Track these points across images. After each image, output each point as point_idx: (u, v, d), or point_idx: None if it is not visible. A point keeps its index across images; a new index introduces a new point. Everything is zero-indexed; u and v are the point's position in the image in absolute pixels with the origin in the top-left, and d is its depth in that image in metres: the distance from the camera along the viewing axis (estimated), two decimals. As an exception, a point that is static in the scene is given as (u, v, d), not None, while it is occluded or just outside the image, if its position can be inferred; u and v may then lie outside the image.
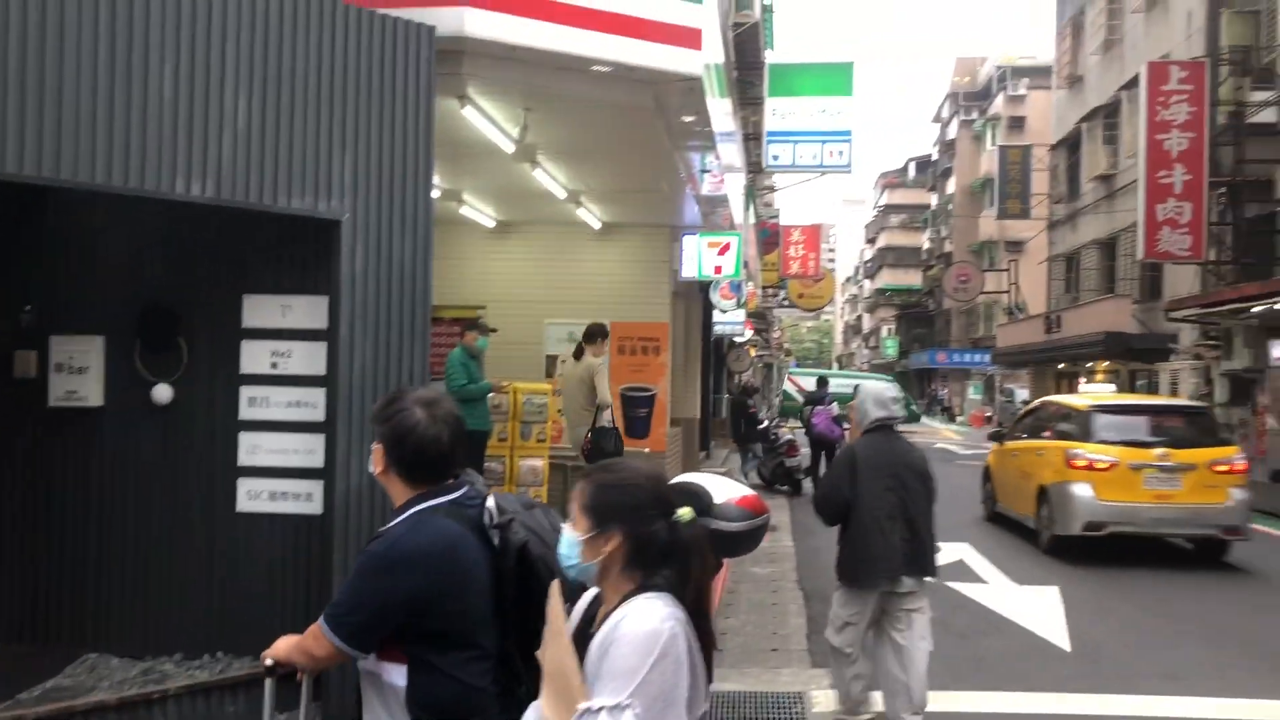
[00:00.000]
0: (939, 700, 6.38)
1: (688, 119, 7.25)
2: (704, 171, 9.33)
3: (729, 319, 18.93)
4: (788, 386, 34.83)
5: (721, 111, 8.47)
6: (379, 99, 5.17)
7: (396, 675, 2.64)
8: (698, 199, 10.15)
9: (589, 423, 9.03)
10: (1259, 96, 18.87)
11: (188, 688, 5.00)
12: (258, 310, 5.48)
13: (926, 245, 69.29)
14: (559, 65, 5.88)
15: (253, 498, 5.46)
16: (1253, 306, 16.54)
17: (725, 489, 5.14)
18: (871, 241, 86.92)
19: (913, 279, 71.21)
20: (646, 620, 2.07)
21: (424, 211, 5.35)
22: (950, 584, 9.90)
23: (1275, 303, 15.78)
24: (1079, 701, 6.45)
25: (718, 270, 11.43)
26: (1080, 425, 11.92)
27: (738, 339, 23.81)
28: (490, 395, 9.29)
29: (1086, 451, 11.31)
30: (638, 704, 2.01)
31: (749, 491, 5.14)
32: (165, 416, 5.48)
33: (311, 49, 4.91)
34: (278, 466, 5.44)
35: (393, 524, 2.70)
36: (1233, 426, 19.54)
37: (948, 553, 11.51)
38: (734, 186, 11.32)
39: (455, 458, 2.68)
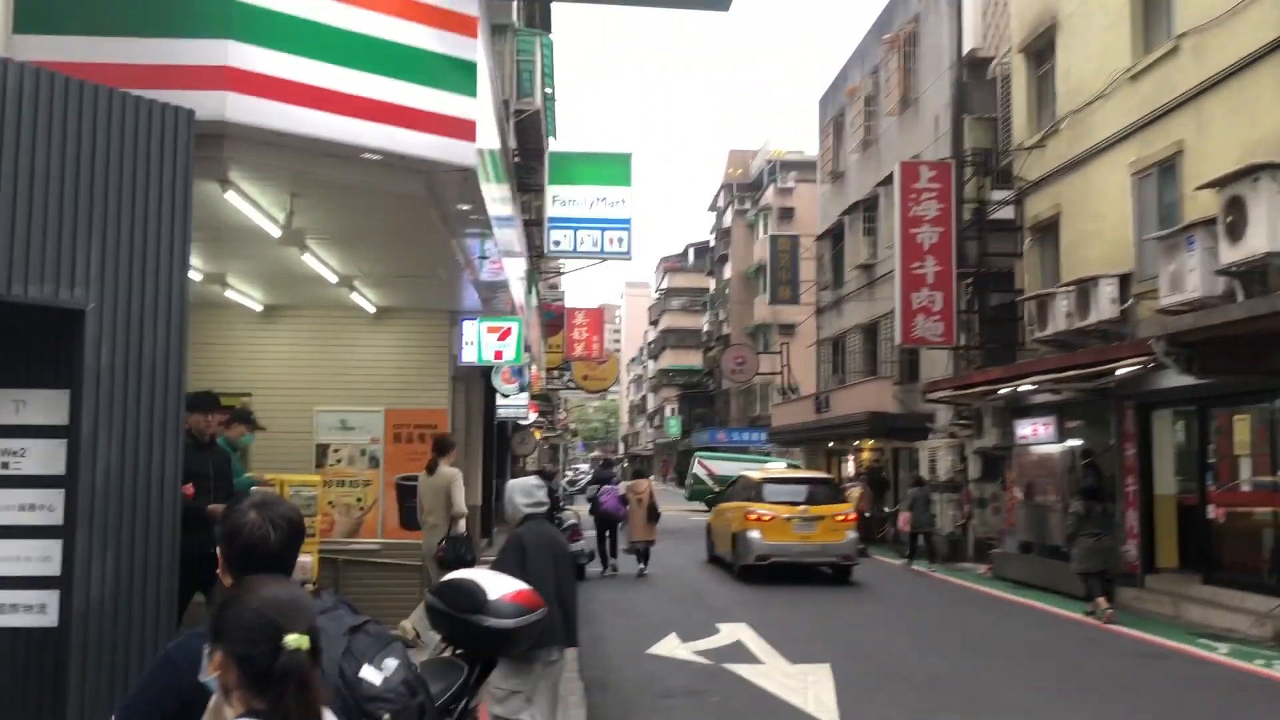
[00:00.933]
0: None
1: (463, 207, 7.24)
2: (483, 258, 9.32)
3: (512, 403, 18.86)
4: (698, 470, 35.45)
5: (499, 196, 8.51)
6: (131, 183, 4.93)
7: None
8: (476, 284, 10.12)
9: (444, 531, 9.24)
10: (998, 195, 20.59)
11: (-110, 832, 4.45)
12: (-13, 405, 5.06)
13: (706, 327, 71.51)
14: (326, 152, 5.76)
15: (-24, 611, 4.97)
16: (999, 389, 17.81)
17: (500, 585, 5.08)
18: (655, 323, 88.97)
19: (694, 360, 73.24)
20: None
21: (179, 300, 5.10)
22: (728, 665, 10.06)
23: (1017, 385, 17.06)
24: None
25: (498, 355, 11.38)
26: (756, 491, 18.21)
27: (522, 422, 23.72)
28: (253, 490, 8.86)
29: (757, 508, 17.48)
30: None
31: (524, 586, 5.08)
32: (-125, 524, 4.94)
33: (55, 129, 4.63)
34: (6, 575, 4.99)
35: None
36: (985, 500, 20.91)
37: (725, 633, 11.75)
38: (515, 271, 11.35)
39: (284, 559, 2.61)
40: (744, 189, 63.29)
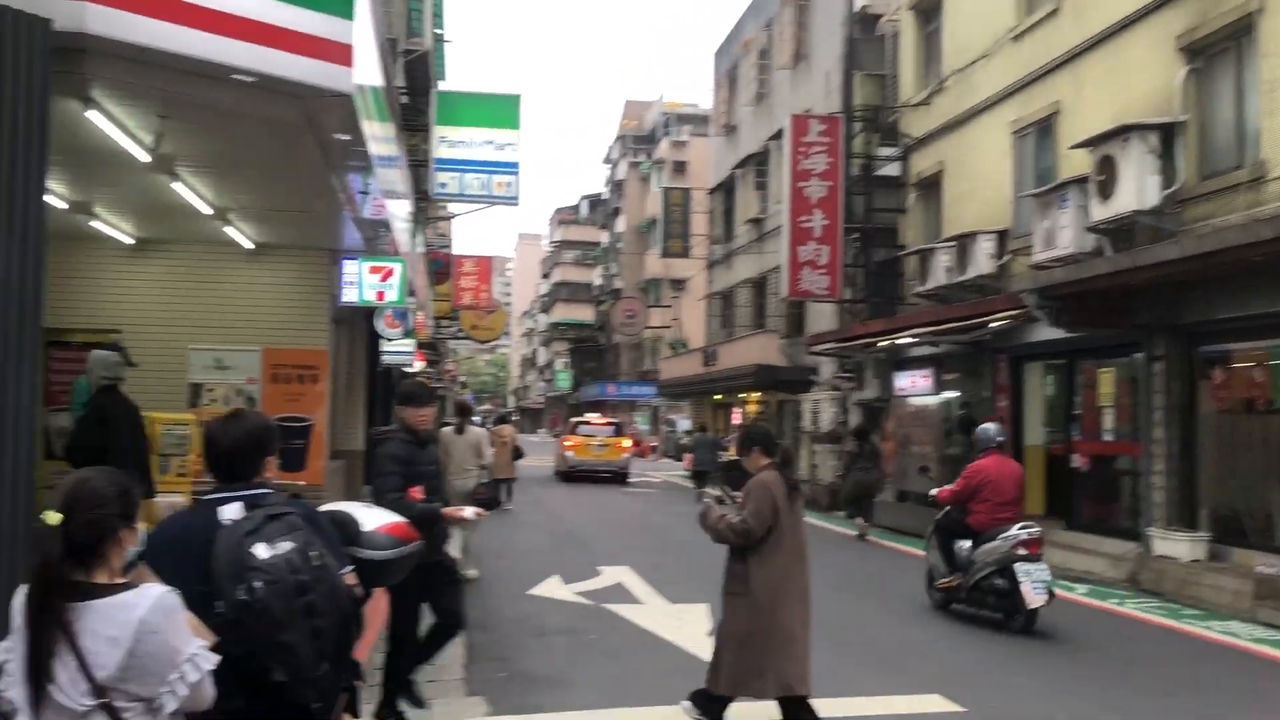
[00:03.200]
0: (605, 718, 6.54)
1: (342, 138, 7.03)
2: (364, 193, 9.10)
3: (397, 348, 18.58)
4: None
5: (382, 135, 8.30)
6: (-18, 94, 4.66)
7: None
8: (358, 222, 9.88)
9: (474, 478, 11.23)
10: (885, 152, 20.97)
11: None
12: None
13: (599, 281, 71.48)
14: (196, 71, 5.52)
15: None
16: (879, 341, 18.25)
17: (375, 517, 5.02)
18: (546, 276, 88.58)
19: (586, 314, 73.21)
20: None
21: (35, 220, 4.86)
22: (608, 605, 10.17)
23: (897, 338, 17.50)
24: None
25: (380, 296, 11.16)
26: (573, 429, 30.67)
27: (408, 369, 23.39)
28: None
29: (572, 439, 29.67)
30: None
31: (398, 519, 5.04)
32: None
33: (-105, 31, 4.35)
34: None
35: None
36: (870, 452, 21.46)
37: (607, 575, 11.87)
38: (399, 212, 11.13)
39: (235, 462, 3.25)
40: (639, 141, 63.22)
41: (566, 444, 29.43)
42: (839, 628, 9.31)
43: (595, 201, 78.15)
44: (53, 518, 2.49)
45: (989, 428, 10.48)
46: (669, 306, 42.23)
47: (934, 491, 10.91)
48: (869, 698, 7.08)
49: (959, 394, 17.98)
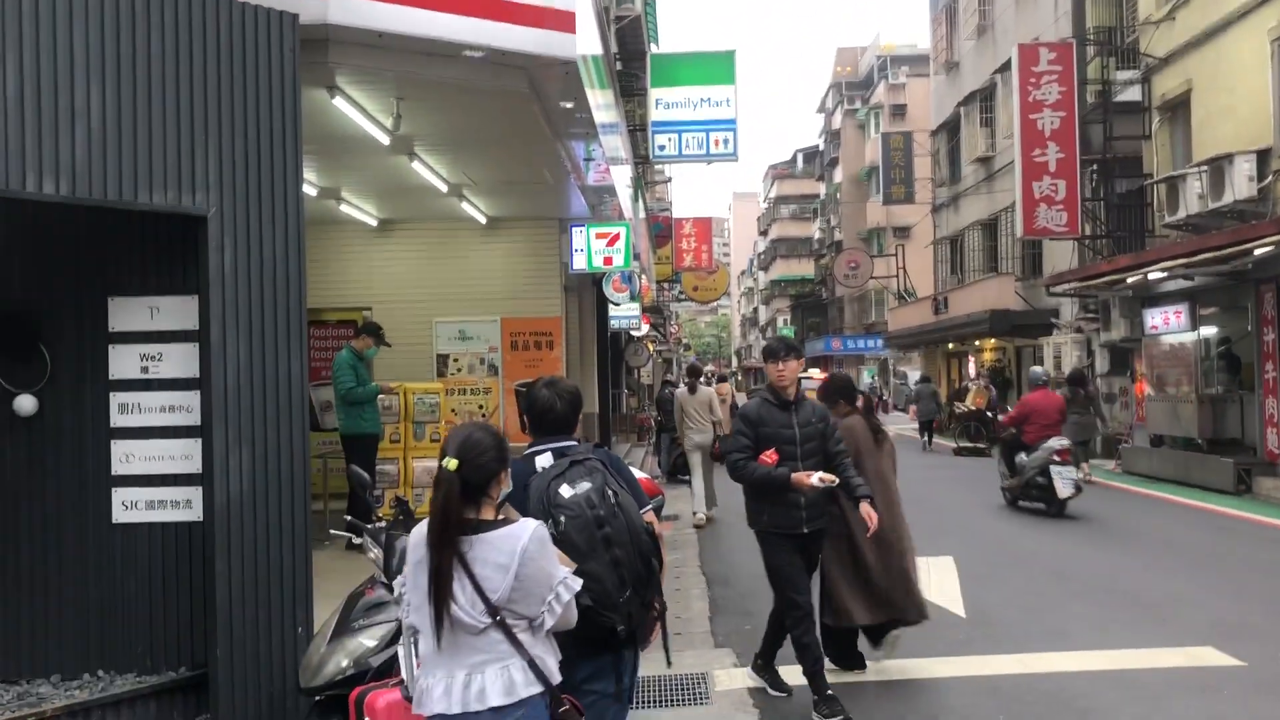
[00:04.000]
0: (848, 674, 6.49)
1: (566, 105, 7.20)
2: (588, 160, 9.29)
3: (624, 312, 18.91)
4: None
5: (602, 103, 8.44)
6: (242, 89, 5.02)
7: None
8: (583, 190, 10.10)
9: (709, 433, 12.69)
10: (1123, 75, 19.59)
11: (66, 709, 4.79)
12: (125, 313, 5.29)
13: (817, 235, 70.34)
14: (429, 51, 5.77)
15: (129, 508, 5.27)
16: (1127, 278, 17.14)
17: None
18: (764, 233, 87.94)
19: (806, 269, 72.23)
20: (417, 527, 3.08)
21: (294, 204, 5.21)
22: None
23: (1147, 272, 16.37)
24: (974, 663, 6.59)
25: (608, 262, 11.38)
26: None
27: (635, 333, 23.83)
28: (380, 397, 9.13)
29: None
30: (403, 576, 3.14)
31: (644, 475, 5.20)
32: (29, 428, 5.25)
33: (168, 38, 4.73)
34: (154, 474, 5.27)
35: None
36: (1114, 395, 20.28)
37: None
38: (621, 178, 11.30)
39: (569, 420, 3.80)
40: (853, 88, 61.54)
41: None
42: (1091, 578, 8.88)
43: (811, 154, 76.77)
44: (451, 464, 2.95)
45: (1036, 370, 14.42)
46: (893, 255, 41.08)
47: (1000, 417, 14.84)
48: (1134, 650, 6.71)
49: (1218, 329, 16.68)
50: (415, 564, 2.99)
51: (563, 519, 3.42)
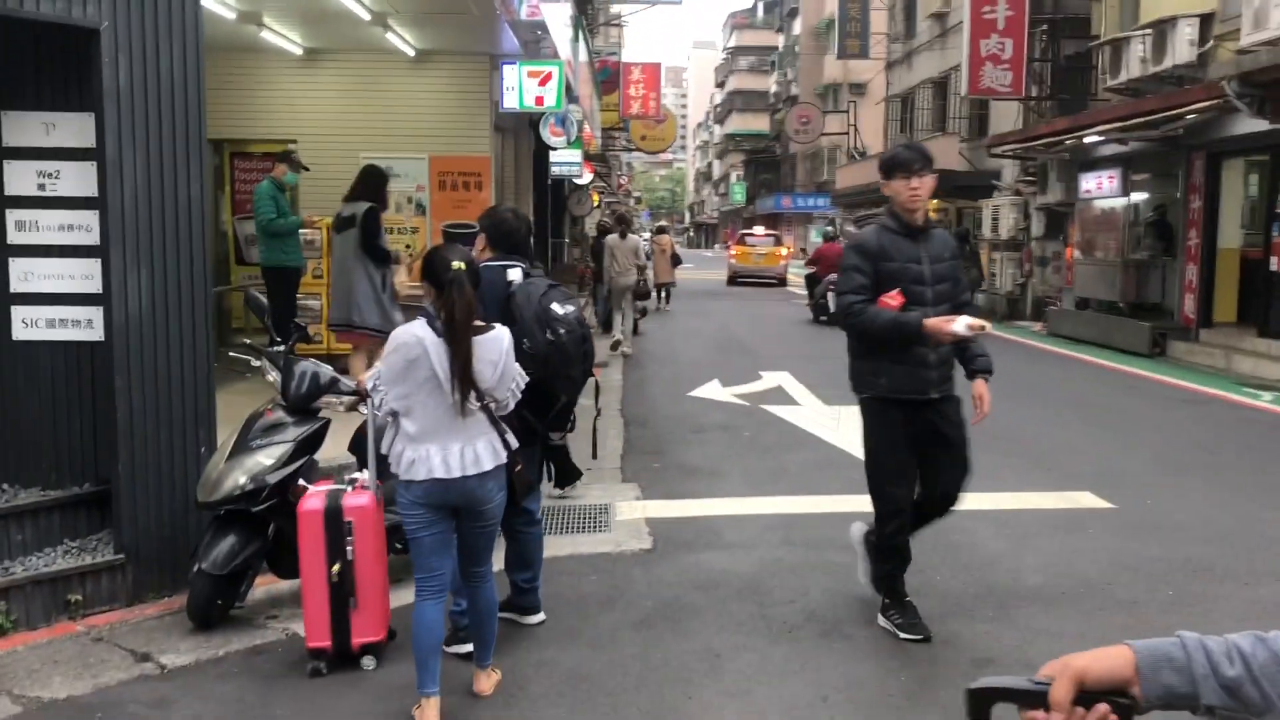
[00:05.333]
0: (750, 504, 6.77)
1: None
2: (517, -6, 9.08)
3: (564, 159, 18.71)
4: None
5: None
6: (135, -105, 4.83)
7: None
8: (514, 26, 9.88)
9: (634, 276, 14.55)
10: (1079, -67, 19.24)
11: (-32, 518, 4.90)
12: (19, 127, 5.19)
13: (774, 89, 69.32)
14: None
15: (28, 325, 5.28)
16: (1065, 139, 17.23)
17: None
18: (721, 85, 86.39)
19: (761, 124, 71.38)
20: (399, 331, 3.76)
21: (191, 20, 5.09)
22: (765, 406, 10.35)
23: (1083, 136, 16.47)
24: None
25: (539, 101, 11.18)
26: (741, 239, 34.93)
27: (578, 180, 23.59)
28: (302, 231, 9.07)
29: (735, 248, 34.04)
30: (379, 372, 3.79)
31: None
32: (-77, 243, 5.20)
33: None
34: (53, 293, 5.26)
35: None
36: (1046, 259, 20.61)
37: (767, 379, 12.02)
38: (556, 15, 11.05)
39: (526, 244, 4.52)
40: (816, -64, 59.72)
41: (731, 254, 34.19)
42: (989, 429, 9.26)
43: (771, 3, 75.00)
44: (460, 266, 3.62)
45: (826, 229, 23.61)
46: (845, 112, 40.69)
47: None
48: (1016, 493, 7.06)
49: (1150, 196, 16.92)
50: (406, 361, 3.63)
51: (561, 331, 4.21)
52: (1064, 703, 1.19)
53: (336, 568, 4.20)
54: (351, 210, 7.96)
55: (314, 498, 4.33)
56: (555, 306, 4.25)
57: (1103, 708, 1.19)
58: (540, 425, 4.39)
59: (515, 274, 4.33)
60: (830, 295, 16.96)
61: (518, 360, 3.92)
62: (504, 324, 3.95)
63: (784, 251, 33.56)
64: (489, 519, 3.83)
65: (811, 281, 20.73)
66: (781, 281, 32.51)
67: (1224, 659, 1.19)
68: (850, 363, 4.75)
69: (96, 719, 3.84)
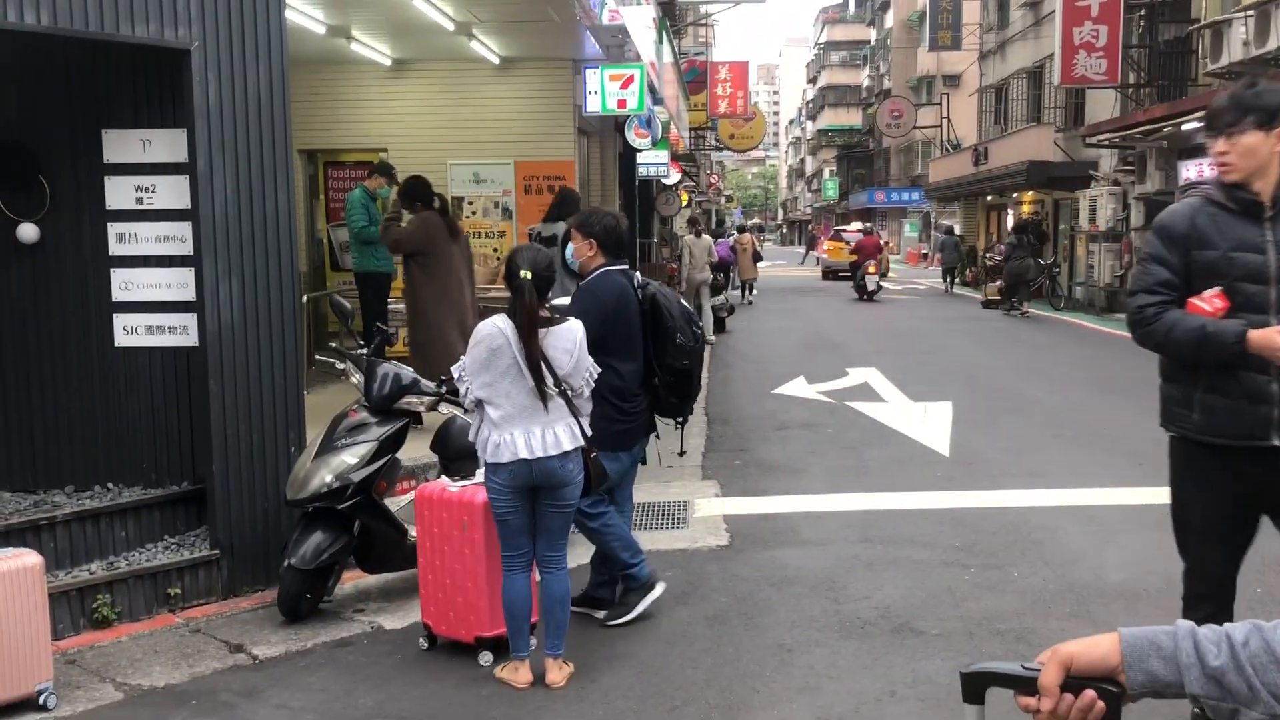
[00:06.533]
0: (829, 501, 6.78)
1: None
2: (599, 0, 9.18)
3: (650, 160, 18.77)
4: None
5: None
6: (223, -80, 5.05)
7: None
8: (594, 31, 9.99)
9: (708, 271, 16.51)
10: (1178, -86, 18.66)
11: (77, 514, 5.19)
12: (118, 145, 5.47)
13: (867, 83, 68.43)
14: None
15: (129, 332, 5.56)
16: (1163, 128, 16.74)
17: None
18: (813, 81, 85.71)
19: (854, 119, 70.54)
20: (482, 325, 4.11)
21: (277, 38, 5.30)
22: (850, 403, 10.30)
23: (1182, 123, 15.97)
24: (951, 498, 6.84)
25: (621, 104, 11.26)
26: (835, 235, 37.47)
27: (666, 181, 23.63)
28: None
29: (829, 243, 36.81)
30: (464, 364, 4.11)
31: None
32: (33, 255, 5.52)
33: None
34: (152, 301, 5.53)
35: (589, 279, 4.78)
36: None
37: (853, 376, 11.95)
38: (638, 19, 11.14)
39: (626, 245, 4.91)
40: (907, -72, 58.83)
41: (824, 249, 36.74)
42: (1081, 424, 9.09)
43: (863, -3, 74.04)
44: (526, 274, 3.98)
45: (865, 225, 30.64)
46: (938, 104, 39.99)
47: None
48: (1103, 489, 6.92)
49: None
50: (490, 351, 3.97)
51: (699, 328, 4.96)
52: (1052, 687, 1.23)
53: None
54: (552, 230, 8.06)
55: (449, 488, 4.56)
56: (684, 306, 4.97)
57: (1089, 694, 1.22)
58: (687, 409, 5.06)
59: (637, 276, 4.90)
60: (868, 278, 24.40)
61: (669, 353, 4.76)
62: (641, 323, 4.75)
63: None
64: (566, 500, 4.11)
65: (854, 268, 26.34)
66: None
67: (1211, 648, 1.20)
68: (1160, 386, 3.47)
69: (191, 705, 4.05)
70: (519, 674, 4.11)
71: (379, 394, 5.06)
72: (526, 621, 4.14)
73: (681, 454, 6.08)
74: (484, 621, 4.35)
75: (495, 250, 11.45)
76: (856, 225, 37.10)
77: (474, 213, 11.49)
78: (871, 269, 24.49)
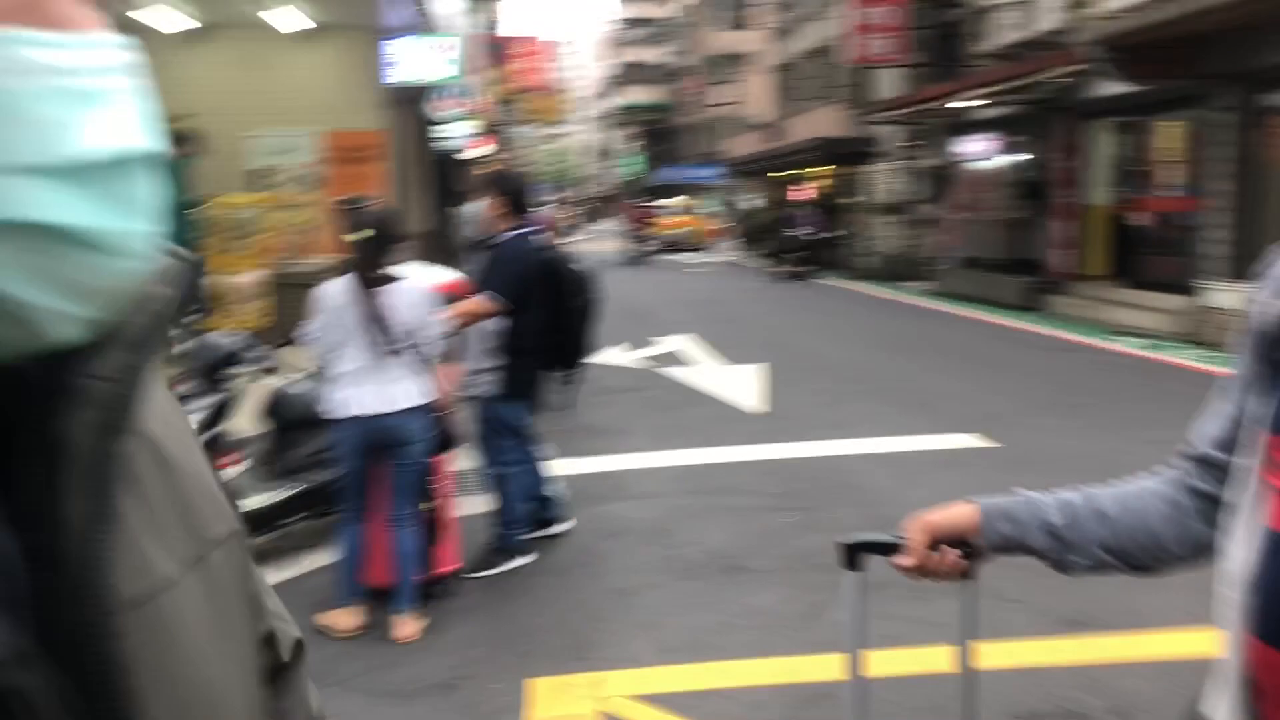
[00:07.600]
0: (647, 459, 7.03)
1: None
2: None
3: (450, 131, 18.68)
4: None
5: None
6: None
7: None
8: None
9: None
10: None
11: None
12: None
13: (668, 60, 69.45)
14: None
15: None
16: (943, 104, 17.83)
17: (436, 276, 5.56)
18: (612, 58, 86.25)
19: (656, 95, 71.49)
20: (324, 285, 4.15)
21: None
22: (668, 369, 10.64)
23: (949, 101, 17.08)
24: (768, 450, 7.23)
25: (428, 74, 11.23)
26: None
27: (467, 153, 23.50)
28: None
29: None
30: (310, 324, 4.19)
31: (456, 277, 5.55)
32: None
33: None
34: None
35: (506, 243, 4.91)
36: (935, 221, 21.27)
37: (669, 343, 12.32)
38: (444, -12, 11.08)
39: (525, 202, 5.06)
40: (701, -94, 59.83)
41: (634, 228, 36.02)
42: (882, 380, 9.70)
43: (658, -25, 74.89)
44: (364, 234, 4.05)
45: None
46: (736, 82, 41.12)
47: None
48: (906, 437, 7.46)
49: (1024, 157, 17.65)
50: (334, 310, 4.05)
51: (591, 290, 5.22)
52: (919, 549, 1.45)
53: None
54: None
55: None
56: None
57: (952, 552, 1.44)
58: (576, 371, 5.33)
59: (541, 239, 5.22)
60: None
61: (572, 316, 5.03)
62: (547, 286, 4.92)
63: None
64: (409, 459, 4.20)
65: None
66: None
67: (1053, 510, 1.43)
68: None
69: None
70: (339, 620, 4.20)
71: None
72: (348, 571, 4.23)
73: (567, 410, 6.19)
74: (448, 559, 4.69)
75: (302, 223, 11.19)
76: (662, 201, 37.75)
77: (278, 185, 11.19)
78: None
